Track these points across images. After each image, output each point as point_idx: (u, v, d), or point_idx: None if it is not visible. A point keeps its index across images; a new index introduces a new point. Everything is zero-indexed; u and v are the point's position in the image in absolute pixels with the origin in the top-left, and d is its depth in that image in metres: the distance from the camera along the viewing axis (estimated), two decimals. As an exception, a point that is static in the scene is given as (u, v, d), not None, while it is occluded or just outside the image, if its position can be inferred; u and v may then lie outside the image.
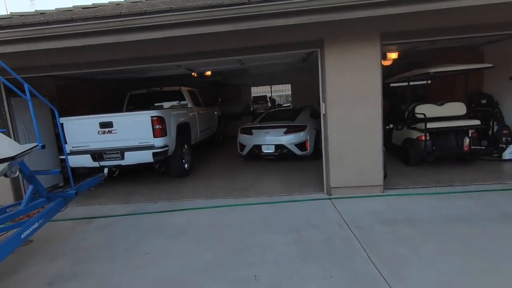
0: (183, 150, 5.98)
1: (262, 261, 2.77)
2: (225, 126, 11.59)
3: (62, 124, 5.01)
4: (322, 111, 4.17)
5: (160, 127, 5.07)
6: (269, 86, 13.33)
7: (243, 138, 6.83)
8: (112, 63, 4.41)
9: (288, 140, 6.33)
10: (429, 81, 6.89)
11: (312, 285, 2.38)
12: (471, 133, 5.24)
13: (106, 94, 8.91)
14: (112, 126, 5.00)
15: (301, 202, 4.17)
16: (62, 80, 7.21)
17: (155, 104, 7.57)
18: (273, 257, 2.83)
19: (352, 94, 4.06)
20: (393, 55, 6.45)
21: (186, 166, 6.09)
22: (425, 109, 5.27)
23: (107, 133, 5.03)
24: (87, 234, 3.69)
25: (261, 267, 2.66)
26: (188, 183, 5.56)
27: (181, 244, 3.22)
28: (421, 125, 5.31)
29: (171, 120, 5.45)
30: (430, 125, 5.13)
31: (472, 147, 5.09)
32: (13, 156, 2.21)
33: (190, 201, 4.58)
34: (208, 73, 8.21)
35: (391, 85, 7.93)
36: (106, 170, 4.88)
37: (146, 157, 5.01)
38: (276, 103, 12.95)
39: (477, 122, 5.14)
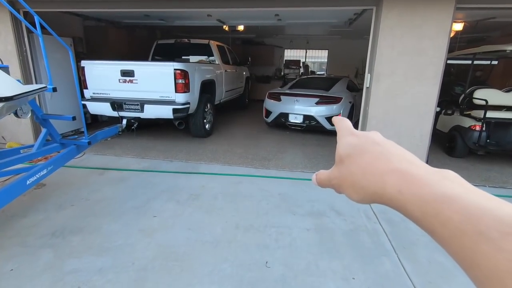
0: (206, 110, 5.65)
1: (277, 245, 2.48)
2: (252, 88, 11.08)
3: (82, 68, 4.77)
4: (366, 84, 3.59)
5: (183, 82, 4.70)
6: (304, 51, 12.37)
7: (270, 103, 6.35)
8: (136, 3, 3.96)
9: (319, 111, 5.79)
10: (493, 62, 5.88)
11: (331, 284, 2.07)
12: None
13: (135, 41, 8.55)
14: (133, 75, 4.70)
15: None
16: (90, 21, 6.89)
17: (182, 57, 7.15)
18: (289, 242, 2.53)
19: (407, 67, 3.42)
20: (458, 27, 5.47)
21: (207, 126, 5.79)
22: (487, 95, 4.48)
23: (128, 82, 4.75)
24: (98, 185, 3.56)
25: (275, 253, 2.38)
26: (208, 145, 5.30)
27: (192, 211, 3.00)
28: (477, 113, 4.56)
29: (195, 76, 5.06)
30: (489, 114, 4.38)
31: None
32: (11, 96, 1.95)
33: (207, 165, 4.33)
34: (241, 27, 7.55)
35: (447, 61, 6.92)
36: (124, 122, 4.68)
37: (166, 112, 4.73)
38: (310, 69, 12.08)
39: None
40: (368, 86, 3.56)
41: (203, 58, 6.98)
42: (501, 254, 0.19)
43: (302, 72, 12.02)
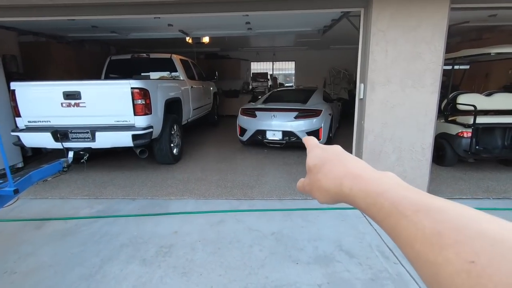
0: (172, 132, 4.91)
1: (286, 319, 1.83)
2: (221, 104, 10.48)
3: (12, 91, 3.84)
4: (359, 95, 3.15)
5: (143, 102, 3.95)
6: (271, 63, 12.10)
7: (244, 120, 5.77)
8: (74, 9, 3.19)
9: (299, 126, 5.31)
10: (467, 66, 5.90)
11: None
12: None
13: (85, 58, 7.56)
14: (79, 98, 3.85)
15: (323, 211, 3.23)
16: (26, 36, 5.89)
17: (142, 74, 6.37)
18: (300, 309, 1.90)
19: (403, 74, 3.04)
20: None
21: (175, 151, 5.03)
22: (472, 100, 4.30)
23: (74, 106, 3.89)
24: (33, 246, 2.66)
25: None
26: (177, 173, 4.54)
27: (164, 275, 2.25)
28: (463, 119, 4.37)
29: (158, 94, 4.33)
30: (479, 119, 4.18)
31: (527, 149, 4.20)
32: None
33: (178, 201, 3.58)
34: (206, 39, 6.96)
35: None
36: (71, 154, 3.79)
37: (123, 140, 3.92)
38: (278, 82, 11.78)
39: (534, 119, 4.22)
40: (361, 97, 3.12)
41: (165, 74, 6.26)
42: (413, 226, 0.26)
43: (270, 85, 11.69)
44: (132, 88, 3.85)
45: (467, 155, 4.29)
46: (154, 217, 3.18)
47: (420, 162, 3.23)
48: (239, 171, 4.66)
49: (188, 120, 6.17)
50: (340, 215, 3.13)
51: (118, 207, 3.43)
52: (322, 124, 5.33)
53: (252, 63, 12.01)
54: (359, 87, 3.14)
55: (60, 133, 3.92)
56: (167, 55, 6.00)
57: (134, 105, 3.89)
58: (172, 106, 5.10)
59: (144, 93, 3.94)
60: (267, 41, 9.37)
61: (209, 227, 2.93)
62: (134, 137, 3.90)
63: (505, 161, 4.69)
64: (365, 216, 3.10)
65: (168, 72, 6.27)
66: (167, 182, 4.17)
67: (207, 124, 8.81)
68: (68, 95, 3.84)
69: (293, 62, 12.02)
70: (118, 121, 3.94)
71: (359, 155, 3.27)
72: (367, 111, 3.11)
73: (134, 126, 3.96)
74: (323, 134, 5.38)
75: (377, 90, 3.06)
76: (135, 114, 3.93)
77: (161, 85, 4.56)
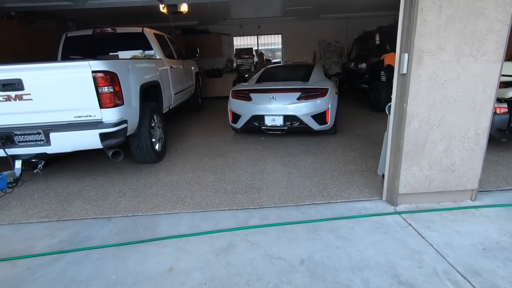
0: (152, 124, 4.01)
1: None
2: (204, 85, 9.49)
3: None
4: (401, 69, 2.39)
5: (111, 89, 3.02)
6: (255, 37, 11.03)
7: (237, 104, 4.91)
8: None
9: (302, 109, 4.54)
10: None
11: None
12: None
13: (37, 38, 6.27)
14: (21, 88, 2.85)
15: (355, 220, 2.55)
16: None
17: (110, 54, 5.29)
18: None
19: (459, 38, 2.29)
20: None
21: (157, 147, 4.16)
22: (509, 70, 3.67)
23: (16, 99, 2.90)
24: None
25: None
26: (163, 176, 3.70)
27: None
28: (499, 92, 3.75)
29: (130, 78, 3.39)
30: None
31: None
32: None
33: (168, 216, 2.78)
34: (184, 8, 5.87)
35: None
36: (18, 164, 2.86)
37: (89, 140, 3.01)
38: (265, 58, 10.81)
39: None
40: (404, 71, 2.36)
41: (137, 53, 5.22)
42: None
43: (256, 62, 10.72)
44: (94, 71, 2.89)
45: (503, 134, 3.71)
46: (139, 245, 2.38)
47: (473, 152, 2.58)
48: (238, 167, 3.88)
49: (170, 108, 5.25)
50: (380, 225, 2.47)
51: (89, 232, 2.59)
52: (329, 105, 4.58)
53: (234, 38, 10.91)
54: (401, 59, 2.37)
55: (1, 137, 2.94)
56: (138, 29, 4.94)
57: (99, 94, 2.94)
58: (150, 92, 4.17)
59: (111, 78, 2.99)
60: (251, 11, 8.31)
61: (215, 257, 2.18)
62: (103, 136, 2.99)
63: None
64: (411, 225, 2.45)
65: (141, 51, 5.23)
66: (151, 190, 3.34)
67: (191, 109, 7.86)
68: (5, 85, 2.83)
69: (280, 36, 11.02)
70: (79, 117, 3.00)
71: (398, 146, 2.56)
72: (411, 90, 2.37)
73: (101, 122, 3.04)
74: (330, 117, 4.65)
75: (425, 62, 2.32)
76: (101, 107, 3.00)
77: (134, 66, 3.59)
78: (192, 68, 7.39)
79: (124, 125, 3.19)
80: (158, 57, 4.98)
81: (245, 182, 3.43)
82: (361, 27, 10.34)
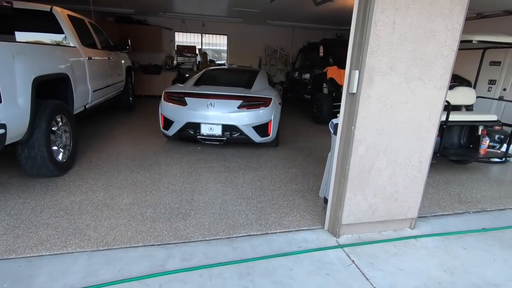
0: (54, 128, 3.16)
1: None
2: (138, 81, 8.52)
3: None
4: (351, 88, 2.11)
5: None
6: (200, 35, 10.37)
7: (169, 108, 4.28)
8: None
9: (243, 119, 4.13)
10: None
11: None
12: (481, 131, 4.08)
13: None
14: None
15: (295, 257, 2.20)
16: None
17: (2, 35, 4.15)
18: None
19: (410, 59, 2.12)
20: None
21: (60, 157, 3.31)
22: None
23: None
24: None
25: None
26: (62, 196, 2.90)
27: None
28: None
29: (15, 68, 2.54)
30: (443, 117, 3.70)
31: (489, 150, 3.94)
32: None
33: (55, 258, 2.06)
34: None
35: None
36: None
37: None
38: (209, 58, 10.22)
39: (494, 117, 3.97)
40: (354, 91, 2.09)
41: (48, 39, 4.21)
42: None
43: (199, 61, 10.07)
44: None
45: (435, 156, 3.81)
46: (-4, 311, 1.65)
47: (415, 180, 2.46)
48: (164, 185, 3.27)
49: (87, 107, 4.35)
50: (321, 263, 2.15)
51: None
52: (272, 116, 4.26)
53: (176, 33, 10.08)
54: (351, 76, 2.10)
55: None
56: (45, 7, 3.95)
57: (-44, 86, 2.08)
58: (53, 88, 3.30)
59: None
60: (195, 6, 7.68)
61: (111, 325, 1.58)
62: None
63: (457, 160, 4.45)
64: (354, 262, 2.18)
65: (50, 35, 4.23)
66: (41, 216, 2.54)
67: (120, 108, 6.88)
68: None
69: (226, 37, 10.56)
70: None
71: (344, 173, 2.30)
72: (360, 111, 2.11)
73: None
74: (273, 129, 4.33)
75: (376, 82, 2.08)
76: (-39, 104, 2.13)
77: (23, 51, 2.73)
78: (123, 61, 6.46)
79: (1, 131, 2.35)
80: (71, 44, 4.06)
81: (169, 205, 2.85)
82: (305, 38, 10.51)
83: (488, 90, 5.92)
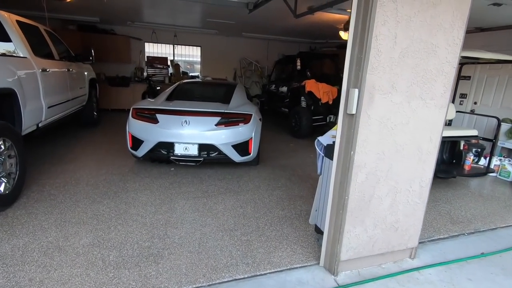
0: (-7, 155, 2.61)
1: None
2: (103, 94, 7.90)
3: None
4: (350, 109, 1.86)
5: None
6: (171, 46, 9.94)
7: (138, 126, 3.83)
8: None
9: (222, 137, 3.78)
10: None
11: None
12: (463, 146, 4.06)
13: None
14: None
15: (291, 306, 1.86)
16: None
17: None
18: None
19: (411, 77, 1.92)
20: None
21: (1, 188, 2.74)
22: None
23: None
24: None
25: None
26: (2, 238, 2.35)
27: None
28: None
29: None
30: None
31: (473, 165, 3.90)
32: None
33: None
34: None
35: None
36: None
37: None
38: (181, 70, 9.79)
39: (475, 131, 3.96)
40: (353, 112, 1.84)
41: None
42: None
43: (171, 73, 9.61)
44: None
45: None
46: None
47: (416, 206, 2.25)
48: (132, 217, 2.82)
49: (40, 126, 3.79)
50: (322, 313, 1.83)
51: None
52: (253, 134, 3.95)
53: (146, 44, 9.57)
54: (349, 95, 1.86)
55: None
56: (-13, 11, 3.40)
57: None
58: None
59: None
60: (166, 16, 7.29)
61: None
62: None
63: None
64: (358, 308, 1.89)
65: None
66: (-32, 271, 1.99)
67: (82, 124, 6.24)
68: None
69: (199, 48, 10.21)
70: None
71: (342, 203, 2.02)
72: (360, 135, 1.87)
73: None
74: (254, 147, 4.02)
75: (376, 102, 1.86)
76: None
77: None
78: (86, 73, 5.88)
79: None
80: (21, 54, 3.52)
81: (138, 243, 2.41)
82: (280, 51, 10.45)
83: (460, 104, 6.07)
